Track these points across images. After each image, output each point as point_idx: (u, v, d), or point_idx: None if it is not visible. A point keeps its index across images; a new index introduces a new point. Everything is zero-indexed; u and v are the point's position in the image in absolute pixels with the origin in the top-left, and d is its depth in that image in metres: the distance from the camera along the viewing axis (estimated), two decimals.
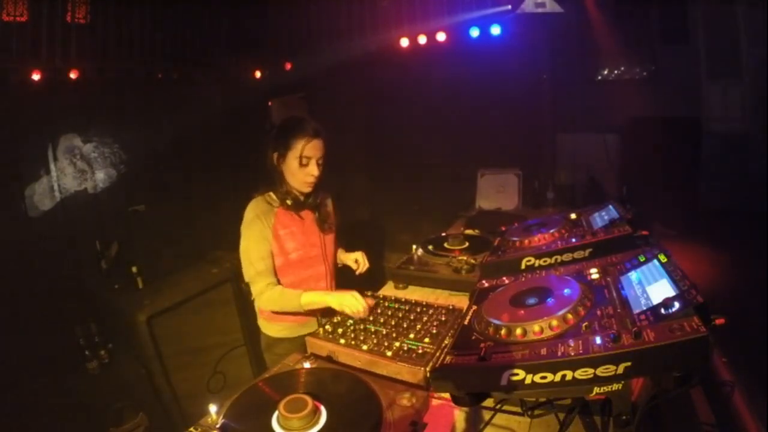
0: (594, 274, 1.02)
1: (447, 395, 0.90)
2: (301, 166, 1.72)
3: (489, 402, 0.88)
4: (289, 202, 1.77)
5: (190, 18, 3.56)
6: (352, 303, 1.46)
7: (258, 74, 4.13)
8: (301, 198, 1.80)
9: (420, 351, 1.15)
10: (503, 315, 0.92)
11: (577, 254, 1.23)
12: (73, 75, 2.82)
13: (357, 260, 1.91)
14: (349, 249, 2.05)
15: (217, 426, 0.90)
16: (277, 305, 1.69)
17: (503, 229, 1.65)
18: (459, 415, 1.04)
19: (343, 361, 1.20)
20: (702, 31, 3.68)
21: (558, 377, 0.74)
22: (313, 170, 1.73)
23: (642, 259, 0.98)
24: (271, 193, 1.80)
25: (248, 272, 1.72)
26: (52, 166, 2.85)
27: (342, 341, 1.24)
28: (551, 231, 1.40)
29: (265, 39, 4.13)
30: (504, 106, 3.71)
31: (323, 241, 1.87)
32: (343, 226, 2.07)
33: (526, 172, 3.22)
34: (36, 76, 2.67)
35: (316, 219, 1.86)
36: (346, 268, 2.01)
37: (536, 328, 0.84)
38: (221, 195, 3.52)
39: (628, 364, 0.70)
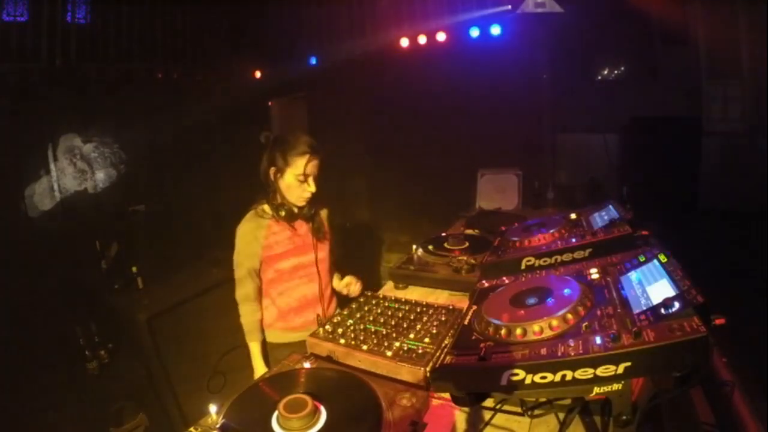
0: (594, 274, 1.02)
1: (447, 395, 0.90)
2: (300, 183, 1.76)
3: (489, 402, 0.88)
4: (282, 213, 1.80)
5: (190, 18, 3.56)
6: None
7: (258, 74, 4.14)
8: (295, 210, 1.83)
9: (420, 351, 1.15)
10: (503, 315, 0.92)
11: (577, 254, 1.22)
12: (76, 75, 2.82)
13: (348, 284, 1.97)
14: (350, 249, 2.05)
15: (217, 426, 0.90)
16: (244, 327, 1.87)
17: (503, 229, 1.65)
18: (459, 415, 1.04)
19: (343, 361, 1.20)
20: (702, 31, 3.68)
21: (558, 377, 0.74)
22: (312, 187, 1.78)
23: (642, 259, 0.98)
24: (265, 206, 1.83)
25: (236, 289, 1.86)
26: (52, 166, 2.86)
27: (342, 341, 1.24)
28: (551, 231, 1.40)
29: (265, 39, 4.13)
30: (504, 106, 3.71)
31: (316, 251, 1.88)
32: (344, 227, 2.08)
33: (526, 172, 3.22)
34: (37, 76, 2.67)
35: (310, 229, 1.87)
36: (350, 268, 2.03)
37: (536, 328, 0.84)
38: (221, 195, 3.53)
39: (628, 364, 0.70)
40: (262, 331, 1.88)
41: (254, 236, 1.79)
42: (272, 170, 1.77)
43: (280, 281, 1.84)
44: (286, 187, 1.78)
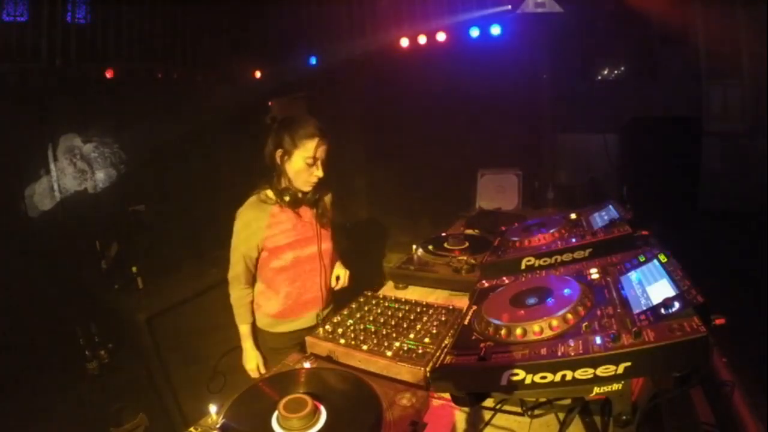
0: (594, 274, 1.02)
1: (447, 395, 0.90)
2: (308, 166, 1.72)
3: (489, 402, 0.88)
4: (287, 198, 1.76)
5: (191, 18, 3.56)
6: (247, 364, 1.86)
7: (258, 74, 4.14)
8: (300, 195, 1.80)
9: (420, 351, 1.15)
10: (503, 315, 0.92)
11: (577, 254, 1.23)
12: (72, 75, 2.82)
13: (338, 277, 1.97)
14: (350, 249, 2.05)
15: (217, 426, 0.90)
16: (234, 309, 1.87)
17: (503, 229, 1.65)
18: (459, 415, 1.04)
19: (343, 361, 1.20)
20: (702, 31, 3.68)
21: (558, 377, 0.74)
22: (320, 171, 1.75)
23: (642, 259, 0.98)
24: (268, 191, 1.79)
25: (230, 272, 1.85)
26: (52, 166, 2.85)
27: (342, 341, 1.24)
28: (551, 231, 1.40)
29: (265, 39, 4.13)
30: (504, 106, 3.71)
31: (320, 238, 1.86)
32: (344, 227, 2.08)
33: (526, 172, 3.22)
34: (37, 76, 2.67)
35: (314, 215, 1.86)
36: (350, 268, 2.02)
37: (536, 328, 0.84)
38: (221, 195, 3.52)
39: (628, 364, 0.70)
40: (253, 313, 1.87)
41: (257, 225, 1.75)
42: (279, 153, 1.72)
43: (281, 270, 1.82)
44: (294, 170, 1.73)
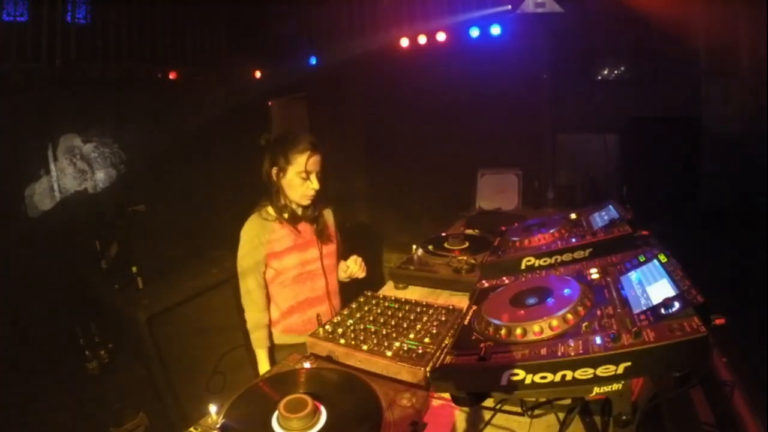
0: (594, 274, 1.02)
1: (447, 395, 0.90)
2: (303, 180, 1.74)
3: (489, 402, 0.88)
4: (286, 215, 1.78)
5: (190, 18, 3.56)
6: None
7: (258, 74, 4.14)
8: (299, 211, 1.82)
9: (420, 351, 1.15)
10: (503, 315, 0.92)
11: (577, 254, 1.22)
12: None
13: (348, 266, 1.90)
14: (350, 249, 2.05)
15: (217, 426, 0.90)
16: (250, 334, 1.83)
17: (503, 229, 1.65)
18: (459, 415, 1.04)
19: (343, 361, 1.20)
20: (702, 31, 3.67)
21: (558, 377, 0.74)
22: (315, 184, 1.76)
23: (642, 259, 0.98)
24: (269, 208, 1.81)
25: (242, 295, 1.83)
26: (52, 166, 2.85)
27: (342, 341, 1.24)
28: (551, 231, 1.40)
29: (265, 39, 4.13)
30: (504, 106, 3.71)
31: (322, 254, 1.86)
32: (343, 227, 2.08)
33: (526, 172, 3.22)
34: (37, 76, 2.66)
35: (314, 231, 1.86)
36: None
37: (536, 328, 0.84)
38: (221, 195, 3.53)
39: (628, 364, 0.70)
40: (270, 336, 1.85)
41: (259, 240, 1.77)
42: (274, 170, 1.75)
43: (283, 288, 1.82)
44: (289, 185, 1.76)
